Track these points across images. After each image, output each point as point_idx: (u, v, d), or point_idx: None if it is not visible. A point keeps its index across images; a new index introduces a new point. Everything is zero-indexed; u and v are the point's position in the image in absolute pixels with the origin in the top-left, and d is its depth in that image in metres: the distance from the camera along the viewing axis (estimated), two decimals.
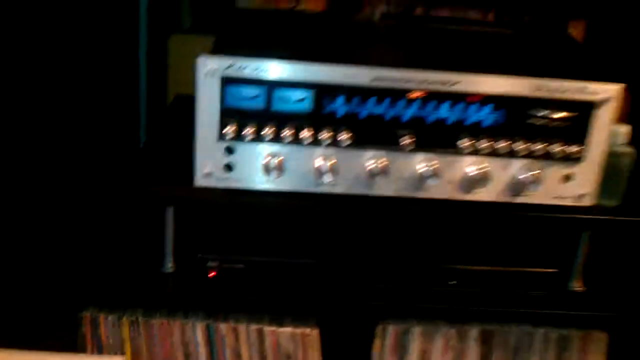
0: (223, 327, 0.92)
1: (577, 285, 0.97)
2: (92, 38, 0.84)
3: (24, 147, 0.82)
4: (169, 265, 0.92)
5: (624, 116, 0.95)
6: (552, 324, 0.96)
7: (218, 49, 0.81)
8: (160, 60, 1.16)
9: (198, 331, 0.92)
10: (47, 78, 0.83)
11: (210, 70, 0.77)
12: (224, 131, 0.79)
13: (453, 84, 0.79)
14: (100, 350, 0.91)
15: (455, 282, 0.91)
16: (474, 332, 0.95)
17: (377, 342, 0.95)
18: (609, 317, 0.96)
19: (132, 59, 1.04)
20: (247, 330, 0.92)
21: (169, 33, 1.20)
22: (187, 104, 0.82)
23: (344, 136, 0.80)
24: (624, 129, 0.87)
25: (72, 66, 0.84)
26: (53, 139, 0.84)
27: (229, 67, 0.76)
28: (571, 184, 0.84)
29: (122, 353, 0.91)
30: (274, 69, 0.77)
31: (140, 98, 1.06)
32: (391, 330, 0.94)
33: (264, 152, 0.80)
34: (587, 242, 0.94)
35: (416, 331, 0.94)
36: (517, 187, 0.84)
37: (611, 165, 0.87)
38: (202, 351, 0.93)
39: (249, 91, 0.78)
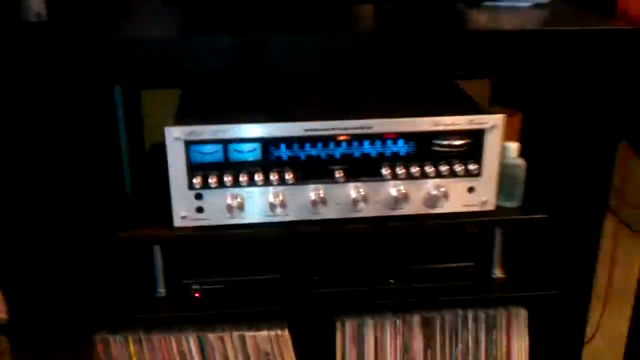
0: (211, 337, 1.12)
1: (498, 273, 1.18)
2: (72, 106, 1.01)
3: (38, 201, 1.01)
4: (161, 291, 1.12)
5: (518, 136, 1.16)
6: (480, 306, 1.16)
7: (180, 118, 1.02)
8: (135, 113, 1.35)
9: (191, 343, 1.12)
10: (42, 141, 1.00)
11: (176, 137, 0.97)
12: (192, 182, 0.99)
13: (369, 128, 1.00)
14: None
15: (393, 280, 1.11)
16: (416, 319, 1.15)
17: (338, 335, 1.15)
18: (527, 296, 1.17)
19: (111, 116, 1.22)
20: (231, 337, 1.13)
21: (140, 90, 1.40)
22: (161, 153, 1.01)
23: (289, 175, 1.00)
24: (515, 146, 1.08)
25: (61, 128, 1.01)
26: (62, 191, 1.03)
27: (190, 133, 0.97)
28: (475, 194, 1.05)
29: None
30: (227, 131, 0.98)
31: (122, 149, 1.25)
32: (349, 324, 1.15)
33: (227, 194, 1.01)
34: (501, 237, 1.15)
35: (369, 323, 1.15)
36: (432, 200, 1.04)
37: (508, 175, 1.08)
38: (197, 358, 1.13)
39: (209, 148, 0.99)
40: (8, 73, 0.91)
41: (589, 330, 1.21)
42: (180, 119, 1.01)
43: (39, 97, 0.96)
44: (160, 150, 1.01)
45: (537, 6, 1.11)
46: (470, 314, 1.16)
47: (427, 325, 1.16)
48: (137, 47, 0.92)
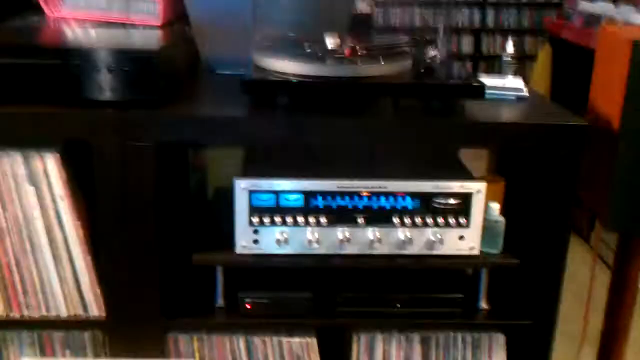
0: (256, 340, 1.45)
1: (483, 304, 1.49)
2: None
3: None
4: (220, 301, 1.45)
5: (501, 198, 1.48)
6: (467, 330, 1.47)
7: (245, 172, 1.36)
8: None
9: (241, 344, 1.45)
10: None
11: (242, 186, 1.31)
12: (252, 220, 1.33)
13: (385, 187, 1.33)
14: (179, 357, 1.45)
15: (399, 305, 1.43)
16: (416, 337, 1.47)
17: (354, 347, 1.47)
18: (505, 324, 1.48)
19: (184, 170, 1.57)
20: (271, 342, 1.45)
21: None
22: (224, 195, 1.35)
23: (323, 219, 1.34)
24: (496, 206, 1.40)
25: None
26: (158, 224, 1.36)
27: (252, 184, 1.31)
28: (464, 241, 1.37)
29: (194, 359, 1.44)
30: (279, 184, 1.32)
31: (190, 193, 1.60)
32: (363, 338, 1.46)
33: (276, 231, 1.35)
34: (485, 276, 1.47)
35: (379, 338, 1.46)
36: (431, 244, 1.37)
37: (491, 228, 1.40)
38: (244, 356, 1.46)
39: (265, 196, 1.33)
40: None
41: None
42: (245, 173, 1.36)
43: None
44: (222, 194, 1.35)
45: (519, 99, 1.44)
46: (459, 336, 1.47)
47: (425, 342, 1.47)
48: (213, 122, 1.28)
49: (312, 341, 1.45)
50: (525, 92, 1.45)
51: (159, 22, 1.57)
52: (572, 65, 3.89)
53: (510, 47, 1.65)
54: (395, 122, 1.33)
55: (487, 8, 6.59)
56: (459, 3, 6.37)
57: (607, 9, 3.74)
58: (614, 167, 1.36)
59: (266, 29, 1.47)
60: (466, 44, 6.66)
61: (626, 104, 1.36)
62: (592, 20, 3.77)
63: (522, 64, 5.08)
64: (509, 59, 1.61)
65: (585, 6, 3.94)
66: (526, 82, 1.51)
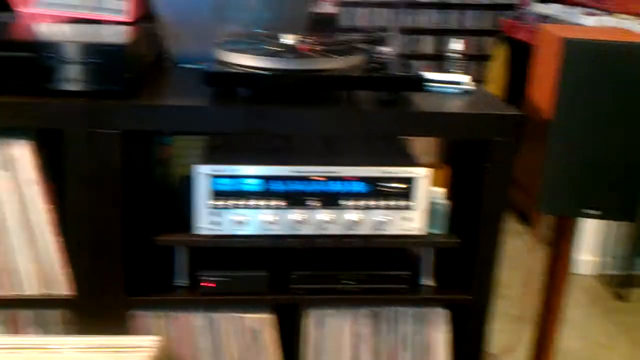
0: (216, 317, 1.55)
1: (429, 281, 1.61)
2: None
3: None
4: (182, 281, 1.55)
5: (446, 184, 1.60)
6: (413, 305, 1.59)
7: (207, 159, 1.46)
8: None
9: (202, 320, 1.54)
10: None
11: (202, 171, 1.41)
12: (212, 203, 1.43)
13: (336, 172, 1.44)
14: (142, 334, 1.53)
15: (349, 282, 1.54)
16: (366, 312, 1.58)
17: (307, 321, 1.58)
18: (449, 300, 1.60)
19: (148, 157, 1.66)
20: (231, 318, 1.55)
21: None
22: (188, 183, 1.45)
23: (280, 203, 1.45)
24: (441, 190, 1.52)
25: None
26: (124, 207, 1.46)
27: (213, 170, 1.41)
28: (410, 223, 1.49)
29: (156, 335, 1.53)
30: (238, 170, 1.42)
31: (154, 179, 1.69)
32: (314, 313, 1.57)
33: (236, 213, 1.44)
34: (431, 255, 1.59)
35: (329, 313, 1.57)
36: (379, 225, 1.48)
37: (435, 211, 1.52)
38: (205, 332, 1.55)
39: (225, 181, 1.43)
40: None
41: None
42: (206, 159, 1.46)
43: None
44: (186, 182, 1.45)
45: (465, 93, 1.56)
46: (406, 311, 1.59)
47: (373, 317, 1.59)
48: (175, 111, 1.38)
49: (270, 317, 1.55)
50: (470, 87, 1.57)
51: (128, 20, 1.66)
52: (527, 64, 4.07)
53: (455, 45, 1.77)
54: (348, 112, 1.44)
55: (449, 10, 6.77)
56: (422, 5, 6.51)
57: (556, 10, 3.93)
58: (545, 154, 1.48)
59: (228, 26, 1.58)
60: (428, 44, 6.83)
61: (556, 96, 1.49)
62: (543, 21, 3.95)
63: (479, 63, 5.25)
64: (455, 55, 1.74)
65: (537, 7, 4.12)
66: (482, 80, 1.63)
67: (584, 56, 1.49)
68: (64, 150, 1.38)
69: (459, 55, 1.76)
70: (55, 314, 1.53)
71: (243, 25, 1.63)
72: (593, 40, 1.50)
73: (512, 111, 1.45)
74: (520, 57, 4.44)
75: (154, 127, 1.40)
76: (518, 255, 2.63)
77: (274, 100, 1.43)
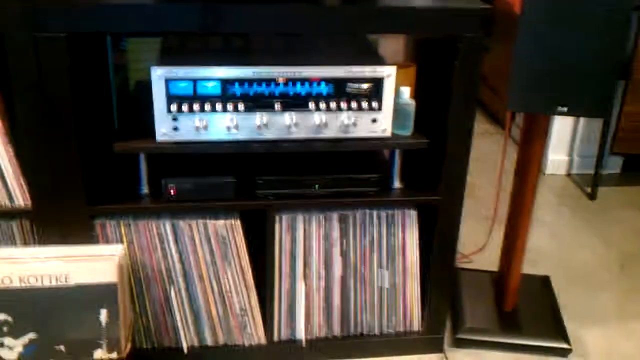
0: (182, 224, 1.52)
1: (397, 184, 1.59)
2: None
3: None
4: (145, 189, 1.51)
5: (412, 83, 1.55)
6: (382, 207, 1.58)
7: (162, 61, 1.39)
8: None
9: (167, 228, 1.52)
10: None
11: (158, 75, 1.34)
12: (170, 108, 1.37)
13: (300, 73, 1.38)
14: (107, 242, 1.51)
15: (318, 186, 1.51)
16: (335, 215, 1.56)
17: (276, 226, 1.56)
18: (417, 201, 1.59)
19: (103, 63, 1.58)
20: (197, 224, 1.52)
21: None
22: (145, 88, 1.38)
23: (241, 106, 1.39)
24: (407, 89, 1.47)
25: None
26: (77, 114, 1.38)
27: (169, 72, 1.34)
28: (377, 124, 1.44)
29: (121, 243, 1.51)
30: (196, 72, 1.35)
31: (112, 84, 1.61)
32: (284, 218, 1.55)
33: (195, 118, 1.39)
34: (399, 157, 1.56)
35: (300, 218, 1.55)
36: (346, 128, 1.44)
37: (402, 111, 1.47)
38: (171, 239, 1.53)
39: (183, 84, 1.36)
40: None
41: None
42: (162, 62, 1.38)
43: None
44: (144, 86, 1.37)
45: None
46: (375, 213, 1.58)
47: (343, 220, 1.57)
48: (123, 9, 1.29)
49: (236, 223, 1.53)
50: None
51: None
52: None
53: None
54: (306, 7, 1.35)
55: None
56: None
57: None
58: (514, 51, 1.43)
59: None
60: None
61: None
62: None
63: None
64: None
65: None
66: None
67: None
68: (8, 56, 1.29)
69: None
70: (15, 225, 1.49)
71: None
72: None
73: (481, 5, 1.38)
74: None
75: (100, 28, 1.31)
76: (489, 155, 2.63)
77: None
